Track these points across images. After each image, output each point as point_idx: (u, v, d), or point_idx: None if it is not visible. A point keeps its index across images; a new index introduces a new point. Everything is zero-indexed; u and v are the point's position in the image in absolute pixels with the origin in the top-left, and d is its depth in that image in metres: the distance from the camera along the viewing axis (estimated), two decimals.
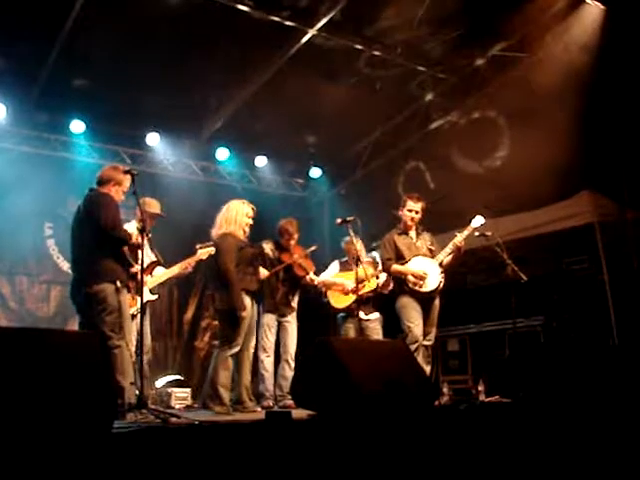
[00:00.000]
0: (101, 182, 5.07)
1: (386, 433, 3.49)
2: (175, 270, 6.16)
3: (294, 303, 6.81)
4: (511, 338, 7.80)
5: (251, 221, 6.08)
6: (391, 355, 4.74)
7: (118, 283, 4.82)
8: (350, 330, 6.80)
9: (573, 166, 7.03)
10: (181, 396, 8.00)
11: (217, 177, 10.28)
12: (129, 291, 5.06)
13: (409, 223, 6.30)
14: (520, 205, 7.82)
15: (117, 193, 5.07)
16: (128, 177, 4.99)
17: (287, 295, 6.72)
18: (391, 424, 3.65)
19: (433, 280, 6.06)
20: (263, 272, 6.41)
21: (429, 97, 8.87)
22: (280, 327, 6.70)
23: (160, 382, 8.26)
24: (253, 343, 6.12)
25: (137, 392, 4.54)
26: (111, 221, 4.79)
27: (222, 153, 9.92)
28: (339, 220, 6.09)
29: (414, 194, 6.39)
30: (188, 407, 7.79)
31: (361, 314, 6.65)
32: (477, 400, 6.76)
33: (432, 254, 6.24)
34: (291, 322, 6.72)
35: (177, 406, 7.71)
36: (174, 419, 4.33)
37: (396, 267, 6.17)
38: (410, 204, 6.29)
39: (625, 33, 6.58)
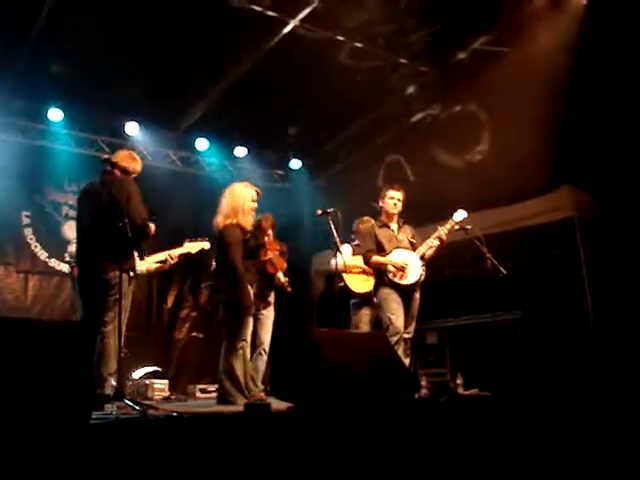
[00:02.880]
0: (125, 171, 4.99)
1: (365, 425, 3.49)
2: (153, 261, 5.80)
3: (271, 298, 6.71)
4: (490, 331, 7.83)
5: (255, 205, 5.92)
6: (371, 347, 4.73)
7: (131, 273, 4.80)
8: (365, 317, 6.71)
9: (553, 160, 7.07)
10: (159, 387, 7.96)
11: (197, 168, 10.25)
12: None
13: (391, 211, 6.27)
14: (500, 199, 7.84)
15: None
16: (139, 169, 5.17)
17: (263, 290, 6.61)
18: (370, 416, 3.65)
19: (414, 273, 6.05)
20: None
21: (410, 90, 8.84)
22: (255, 320, 6.60)
23: (138, 373, 8.20)
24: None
25: (114, 383, 4.49)
26: (141, 217, 4.72)
27: (202, 143, 9.87)
28: (319, 211, 6.06)
29: (394, 183, 6.37)
30: (166, 398, 7.76)
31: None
32: (455, 393, 6.78)
33: (413, 247, 6.22)
34: (267, 316, 6.62)
35: (155, 397, 7.67)
36: (152, 410, 4.30)
37: (376, 258, 6.15)
38: (391, 192, 6.26)
39: (605, 27, 6.61)
